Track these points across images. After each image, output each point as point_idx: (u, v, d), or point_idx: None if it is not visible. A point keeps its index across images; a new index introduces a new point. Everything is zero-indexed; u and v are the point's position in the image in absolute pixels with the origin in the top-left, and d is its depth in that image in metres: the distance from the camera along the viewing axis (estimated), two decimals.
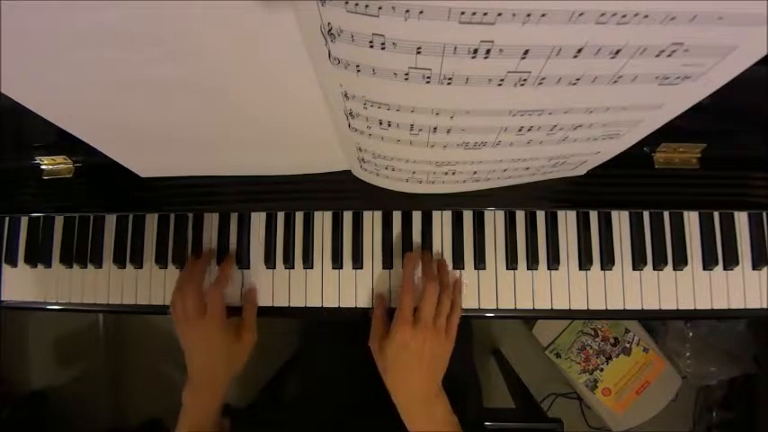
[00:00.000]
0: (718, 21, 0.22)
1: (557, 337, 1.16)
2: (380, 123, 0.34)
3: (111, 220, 0.62)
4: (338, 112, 0.35)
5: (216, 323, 0.53)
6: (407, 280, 0.53)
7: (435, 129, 0.34)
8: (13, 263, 0.63)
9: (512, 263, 0.56)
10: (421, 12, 0.22)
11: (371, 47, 0.25)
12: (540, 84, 0.27)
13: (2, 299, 0.63)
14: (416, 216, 0.58)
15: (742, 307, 0.55)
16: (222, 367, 0.54)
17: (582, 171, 0.48)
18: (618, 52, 0.25)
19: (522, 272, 0.57)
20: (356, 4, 0.22)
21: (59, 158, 0.58)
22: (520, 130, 0.34)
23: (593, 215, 0.57)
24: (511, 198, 0.52)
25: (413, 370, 0.49)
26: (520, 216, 0.57)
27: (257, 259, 0.59)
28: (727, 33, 0.23)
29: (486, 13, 0.21)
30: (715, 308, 0.55)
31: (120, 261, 0.61)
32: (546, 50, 0.24)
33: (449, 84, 0.27)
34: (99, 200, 0.59)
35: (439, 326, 0.50)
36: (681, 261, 0.55)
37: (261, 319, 0.58)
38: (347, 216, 0.59)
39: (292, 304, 0.58)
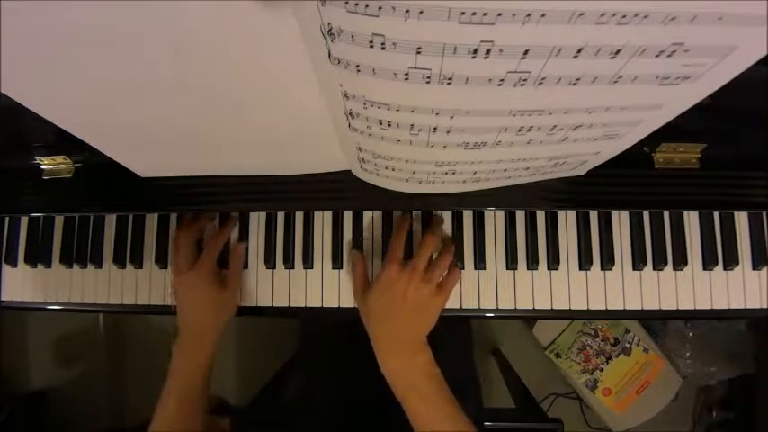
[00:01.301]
0: (719, 21, 0.22)
1: (557, 337, 1.16)
2: (380, 123, 0.34)
3: (111, 220, 0.62)
4: (338, 112, 0.35)
5: (203, 273, 0.53)
6: (399, 230, 0.52)
7: (435, 129, 0.34)
8: (13, 263, 0.63)
9: (512, 263, 0.56)
10: (421, 12, 0.22)
11: (371, 47, 0.25)
12: (540, 84, 0.27)
13: (2, 299, 0.63)
14: (416, 216, 0.58)
15: (742, 307, 0.55)
16: (210, 317, 0.53)
17: (582, 171, 0.48)
18: (618, 52, 0.25)
19: (522, 272, 0.57)
20: (356, 4, 0.22)
21: (59, 158, 0.58)
22: (520, 131, 0.34)
23: (593, 215, 0.57)
24: (511, 198, 0.52)
25: (394, 313, 0.46)
26: (520, 216, 0.57)
27: (257, 259, 0.59)
28: (727, 34, 0.23)
29: (486, 14, 0.21)
30: (715, 308, 0.55)
31: (120, 261, 0.61)
32: (546, 51, 0.24)
33: (449, 84, 0.27)
34: (99, 200, 0.59)
35: (430, 276, 0.47)
36: (681, 261, 0.55)
37: (261, 319, 0.58)
38: (347, 216, 0.59)
39: (292, 304, 0.58)
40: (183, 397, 0.50)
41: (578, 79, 0.27)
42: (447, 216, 0.58)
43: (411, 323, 0.47)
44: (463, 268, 0.57)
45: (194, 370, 0.51)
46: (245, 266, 0.59)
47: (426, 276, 0.48)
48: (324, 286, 0.58)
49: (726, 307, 0.55)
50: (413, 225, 0.57)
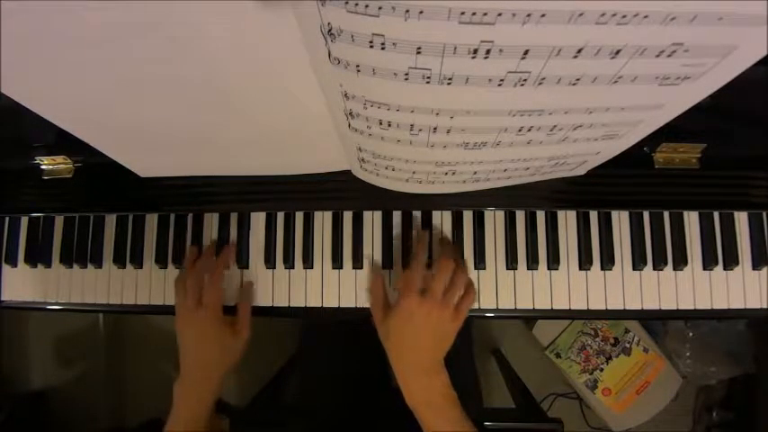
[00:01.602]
0: (719, 21, 0.22)
1: (557, 337, 1.16)
2: (380, 123, 0.34)
3: (111, 220, 0.62)
4: (338, 112, 0.35)
5: (211, 315, 0.52)
6: (418, 252, 0.52)
7: (435, 129, 0.34)
8: (13, 263, 0.63)
9: (512, 263, 0.56)
10: (421, 12, 0.22)
11: (371, 47, 0.25)
12: (540, 84, 0.27)
13: (2, 299, 0.63)
14: (416, 216, 0.58)
15: (742, 307, 0.55)
16: (216, 361, 0.53)
17: (582, 171, 0.48)
18: (618, 52, 0.25)
19: (522, 272, 0.57)
20: (356, 4, 0.22)
21: (59, 158, 0.58)
22: (520, 131, 0.34)
23: (593, 215, 0.57)
24: (511, 198, 0.52)
25: (416, 340, 0.47)
26: (520, 216, 0.57)
27: (257, 259, 0.59)
28: (727, 34, 0.23)
29: (486, 14, 0.21)
30: (715, 308, 0.55)
31: (120, 261, 0.61)
32: (546, 51, 0.24)
33: (449, 84, 0.27)
34: (99, 200, 0.59)
35: (448, 301, 0.48)
36: (681, 261, 0.55)
37: (261, 319, 0.58)
38: (347, 216, 0.59)
39: (292, 304, 0.58)
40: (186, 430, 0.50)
41: (578, 79, 0.27)
42: (447, 216, 0.58)
43: (431, 349, 0.48)
44: None
45: (198, 410, 0.51)
46: (246, 267, 0.59)
47: (444, 302, 0.48)
48: (324, 286, 0.58)
49: (726, 307, 0.55)
50: (413, 231, 0.57)
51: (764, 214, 0.56)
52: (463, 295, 0.50)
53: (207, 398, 0.52)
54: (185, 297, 0.53)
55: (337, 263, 0.58)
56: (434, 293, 0.48)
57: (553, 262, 0.56)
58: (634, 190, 0.53)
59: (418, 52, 0.25)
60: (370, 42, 0.25)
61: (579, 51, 0.24)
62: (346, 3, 0.22)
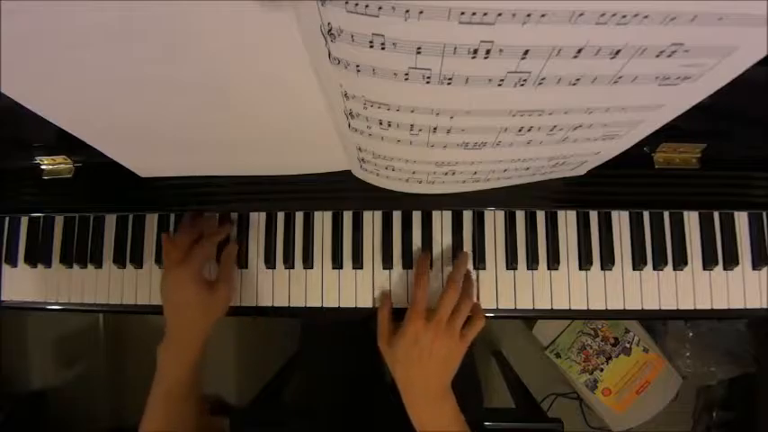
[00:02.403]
0: (719, 21, 0.22)
1: (557, 337, 1.16)
2: (380, 123, 0.34)
3: (111, 220, 0.62)
4: (338, 112, 0.35)
5: (190, 272, 0.52)
6: (421, 277, 0.52)
7: (435, 129, 0.34)
8: (13, 263, 0.63)
9: (512, 263, 0.56)
10: (421, 12, 0.22)
11: (371, 47, 0.25)
12: (540, 84, 0.27)
13: (2, 299, 0.63)
14: (416, 216, 0.58)
15: (742, 307, 0.55)
16: (196, 319, 0.52)
17: (582, 171, 0.48)
18: (618, 53, 0.25)
19: (522, 272, 0.57)
20: (356, 4, 0.22)
21: (59, 158, 0.58)
22: (520, 131, 0.34)
23: (593, 215, 0.57)
24: (511, 198, 0.52)
25: (422, 366, 0.48)
26: (520, 216, 0.57)
27: (257, 259, 0.59)
28: (727, 34, 0.23)
29: (486, 14, 0.21)
30: (715, 308, 0.55)
31: (120, 261, 0.61)
32: (546, 51, 0.24)
33: (449, 84, 0.27)
34: (99, 200, 0.59)
35: (453, 327, 0.49)
36: (681, 261, 0.55)
37: (261, 319, 0.58)
38: (347, 216, 0.59)
39: (292, 304, 0.58)
40: (170, 397, 0.50)
41: (578, 79, 0.27)
42: (447, 216, 0.58)
43: (438, 373, 0.48)
44: None
45: (180, 370, 0.51)
46: (246, 267, 0.59)
47: (449, 327, 0.49)
48: (324, 286, 0.58)
49: (726, 307, 0.55)
50: (413, 231, 0.57)
51: (764, 214, 0.56)
52: (470, 320, 0.51)
53: (188, 359, 0.51)
54: (169, 252, 0.53)
55: (337, 263, 0.58)
56: (440, 319, 0.48)
57: (553, 262, 0.56)
58: (634, 190, 0.53)
59: (418, 52, 0.25)
60: (370, 42, 0.25)
61: (579, 51, 0.24)
62: (346, 3, 0.22)
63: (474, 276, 0.56)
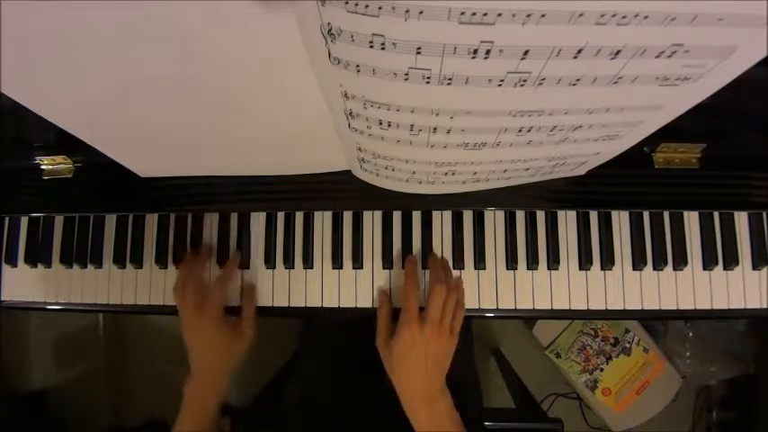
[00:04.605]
0: (719, 22, 0.22)
1: (557, 337, 1.16)
2: (380, 123, 0.34)
3: (111, 220, 0.62)
4: (338, 112, 0.35)
5: (212, 319, 0.54)
6: (411, 280, 0.53)
7: (435, 129, 0.34)
8: (13, 263, 0.63)
9: (512, 263, 0.56)
10: (421, 12, 0.22)
11: (371, 47, 0.25)
12: (540, 84, 0.27)
13: (2, 299, 0.63)
14: (416, 216, 0.58)
15: (742, 307, 0.55)
16: (219, 362, 0.54)
17: (582, 171, 0.48)
18: (618, 53, 0.25)
19: (522, 272, 0.57)
20: (356, 4, 0.22)
21: (59, 158, 0.58)
22: (520, 131, 0.34)
23: (593, 215, 0.57)
24: (511, 198, 0.52)
25: (419, 368, 0.49)
26: (520, 216, 0.57)
27: (257, 259, 0.59)
28: (727, 34, 0.23)
29: (486, 14, 0.21)
30: (715, 308, 0.55)
31: (120, 261, 0.61)
32: (546, 51, 0.24)
33: (449, 84, 0.27)
34: (99, 200, 0.59)
35: (445, 325, 0.51)
36: (681, 261, 0.55)
37: (261, 319, 0.58)
38: (347, 216, 0.59)
39: (292, 304, 0.58)
40: (195, 427, 0.53)
41: (578, 80, 0.27)
42: (447, 216, 0.58)
43: (434, 372, 0.50)
44: (463, 268, 0.57)
45: (205, 405, 0.53)
46: (246, 267, 0.59)
47: (441, 327, 0.50)
48: (324, 286, 0.58)
49: (726, 307, 0.55)
50: (412, 231, 0.57)
51: (764, 214, 0.56)
52: (455, 313, 0.52)
53: (213, 397, 0.54)
54: (185, 303, 0.54)
55: (337, 263, 0.58)
56: (432, 320, 0.50)
57: (553, 262, 0.56)
58: (634, 190, 0.53)
59: (418, 52, 0.25)
60: (370, 42, 0.25)
61: (579, 52, 0.24)
62: (346, 3, 0.22)
63: (451, 267, 0.57)
